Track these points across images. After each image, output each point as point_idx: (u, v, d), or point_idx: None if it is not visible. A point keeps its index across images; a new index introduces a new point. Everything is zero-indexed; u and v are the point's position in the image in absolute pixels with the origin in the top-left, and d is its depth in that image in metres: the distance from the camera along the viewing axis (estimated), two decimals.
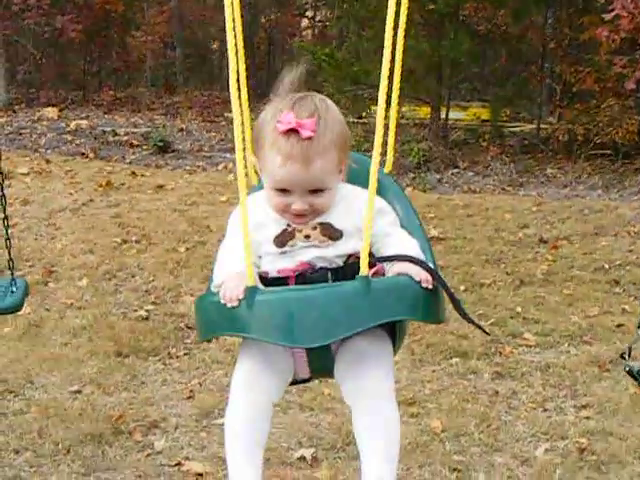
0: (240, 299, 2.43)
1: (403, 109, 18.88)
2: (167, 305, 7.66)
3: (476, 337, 6.74)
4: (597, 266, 8.90)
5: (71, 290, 7.99)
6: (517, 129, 19.03)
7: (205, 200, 11.90)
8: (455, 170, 15.17)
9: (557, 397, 5.81)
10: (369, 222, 2.45)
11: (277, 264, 2.66)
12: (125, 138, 18.08)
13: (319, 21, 32.97)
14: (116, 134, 18.53)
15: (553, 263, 9.05)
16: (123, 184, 12.94)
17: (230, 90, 2.53)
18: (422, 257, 2.65)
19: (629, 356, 3.59)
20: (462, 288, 8.09)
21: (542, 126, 17.87)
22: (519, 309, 7.55)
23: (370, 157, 2.51)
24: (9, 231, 4.58)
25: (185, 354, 6.56)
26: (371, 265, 2.51)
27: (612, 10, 12.64)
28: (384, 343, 2.66)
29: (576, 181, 14.28)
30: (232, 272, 2.55)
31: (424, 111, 18.38)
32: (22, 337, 6.79)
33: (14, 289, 4.29)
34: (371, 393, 2.52)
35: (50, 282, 8.21)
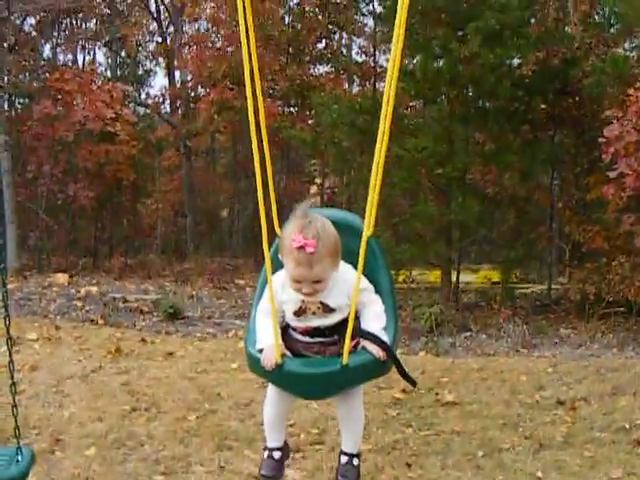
0: (274, 367, 3.85)
1: (413, 273, 18.98)
2: (177, 475, 7.44)
3: None
4: (617, 427, 8.69)
5: (78, 459, 7.78)
6: (528, 290, 19.05)
7: (215, 367, 11.79)
8: (468, 333, 15.09)
9: None
10: (350, 326, 3.81)
11: (296, 324, 4.10)
12: (135, 305, 18.11)
13: (328, 188, 33.52)
14: (126, 301, 18.57)
15: (572, 425, 8.84)
16: (133, 351, 12.85)
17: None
18: (384, 325, 4.01)
19: None
20: (480, 454, 7.88)
21: (553, 286, 17.90)
22: (540, 474, 7.33)
23: (356, 215, 4.28)
24: (16, 398, 4.47)
25: None
26: (353, 337, 3.86)
27: (617, 169, 12.81)
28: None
29: (590, 340, 14.17)
30: (268, 342, 3.93)
31: (435, 275, 18.47)
32: None
33: (19, 458, 4.16)
34: (349, 398, 4.13)
35: (57, 451, 8.02)
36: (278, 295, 4.00)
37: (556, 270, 19.13)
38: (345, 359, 3.81)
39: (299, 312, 4.04)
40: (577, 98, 18.11)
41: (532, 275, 20.49)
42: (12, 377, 4.43)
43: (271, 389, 4.20)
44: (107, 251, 27.13)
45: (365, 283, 4.03)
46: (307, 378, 3.88)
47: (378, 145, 3.80)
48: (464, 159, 16.35)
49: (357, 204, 22.44)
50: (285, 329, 4.11)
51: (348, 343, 3.81)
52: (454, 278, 17.40)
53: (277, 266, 4.04)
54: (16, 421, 4.24)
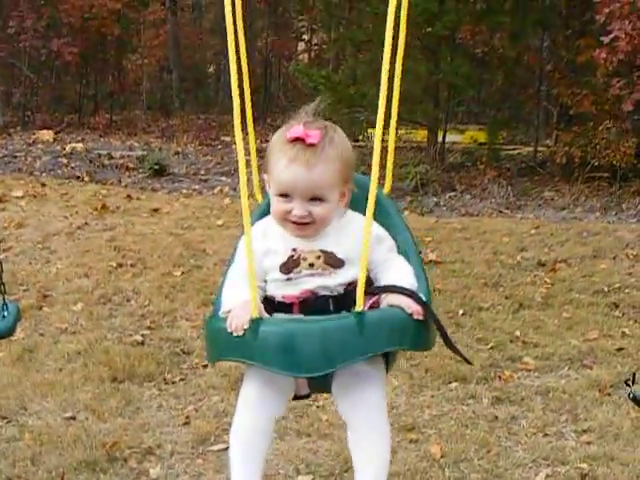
0: (245, 329, 2.59)
1: (400, 132, 18.91)
2: (163, 330, 7.58)
3: (475, 361, 6.67)
4: (596, 289, 8.84)
5: (65, 315, 7.90)
6: (514, 152, 19.04)
7: (201, 224, 11.86)
8: (452, 193, 15.14)
9: (557, 422, 5.72)
10: (366, 255, 2.63)
11: (282, 290, 2.82)
12: (121, 161, 18.07)
13: (315, 44, 33.07)
14: (112, 157, 18.53)
15: (552, 286, 8.99)
16: (118, 207, 12.90)
17: (233, 115, 2.65)
18: (415, 286, 2.79)
19: (633, 382, 3.52)
20: (460, 312, 8.03)
21: (539, 149, 17.89)
22: (518, 333, 7.48)
23: (370, 178, 2.65)
24: (0, 256, 4.50)
25: (181, 379, 6.48)
26: (369, 294, 2.70)
27: (610, 32, 12.64)
28: (377, 364, 2.81)
29: (574, 204, 14.26)
30: (239, 301, 2.69)
31: (421, 134, 18.41)
32: (15, 362, 6.70)
33: (5, 314, 4.21)
34: (364, 407, 2.72)
35: (44, 306, 8.13)
36: (258, 245, 2.77)
37: (543, 132, 19.08)
38: (360, 303, 2.61)
39: (289, 265, 2.80)
40: None
41: (519, 137, 20.45)
42: None
43: (243, 393, 2.78)
44: (92, 107, 26.88)
45: (384, 233, 2.93)
46: (299, 337, 2.57)
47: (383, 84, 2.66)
48: (454, 18, 16.10)
49: (345, 61, 22.23)
50: (268, 309, 2.78)
51: (363, 279, 2.61)
52: (440, 138, 17.36)
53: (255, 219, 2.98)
54: (1, 277, 4.28)
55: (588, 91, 15.70)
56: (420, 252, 3.17)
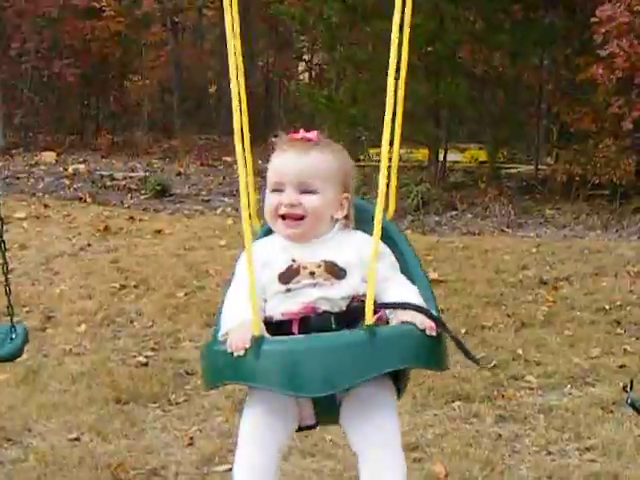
0: (246, 348, 2.48)
1: (401, 151, 18.96)
2: (166, 351, 7.60)
3: (478, 380, 6.69)
4: (598, 307, 8.86)
5: (69, 336, 7.93)
6: (515, 170, 19.09)
7: (204, 244, 11.88)
8: (454, 212, 15.17)
9: (561, 440, 5.73)
10: (373, 269, 2.52)
11: (281, 307, 2.71)
12: (123, 182, 18.10)
13: (316, 64, 33.15)
14: (114, 178, 18.56)
15: (553, 304, 9.01)
16: (121, 229, 12.92)
17: (235, 138, 2.73)
18: (423, 304, 2.74)
19: (631, 389, 3.57)
20: (463, 331, 8.04)
21: (540, 167, 17.93)
22: (520, 351, 7.50)
23: (372, 202, 2.64)
24: (8, 277, 4.54)
25: (185, 400, 6.50)
26: (374, 311, 2.55)
27: (607, 45, 12.76)
28: (388, 390, 2.73)
29: (575, 222, 14.28)
30: (239, 320, 2.61)
31: (422, 153, 18.46)
32: (20, 384, 6.72)
33: (13, 336, 4.25)
34: (377, 442, 2.58)
35: (48, 328, 8.17)
36: (257, 258, 2.66)
37: (543, 151, 19.12)
38: (369, 317, 2.49)
39: (288, 274, 2.71)
40: None
41: (519, 155, 20.50)
42: (3, 256, 4.48)
43: (245, 424, 2.67)
44: (94, 128, 26.94)
45: (386, 249, 2.86)
46: (304, 355, 2.46)
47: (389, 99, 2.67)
48: (454, 37, 16.18)
49: (346, 81, 22.28)
50: (267, 328, 2.65)
51: (372, 291, 2.51)
52: (441, 157, 17.41)
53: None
54: (9, 300, 4.32)
55: (588, 109, 15.76)
56: (427, 276, 3.15)
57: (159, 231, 12.82)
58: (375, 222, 2.53)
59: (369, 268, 2.54)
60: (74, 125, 26.61)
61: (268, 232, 2.96)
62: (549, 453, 5.53)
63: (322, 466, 5.32)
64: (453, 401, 6.38)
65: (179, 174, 19.85)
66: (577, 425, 5.93)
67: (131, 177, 18.71)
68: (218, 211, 15.42)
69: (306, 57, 34.41)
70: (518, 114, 18.65)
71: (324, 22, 19.23)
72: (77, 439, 5.75)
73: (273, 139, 2.93)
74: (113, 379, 6.79)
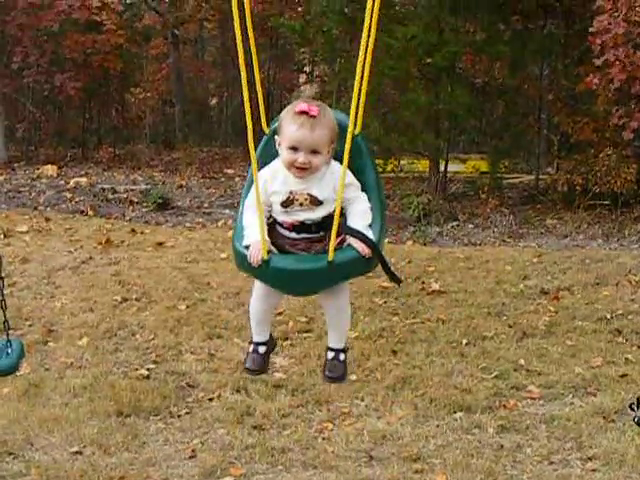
0: (260, 264, 3.72)
1: (402, 162, 18.99)
2: (168, 363, 7.61)
3: (480, 391, 6.70)
4: (599, 316, 8.87)
5: (71, 349, 7.95)
6: (516, 180, 19.10)
7: (205, 257, 11.90)
8: (455, 223, 15.18)
9: (562, 450, 5.75)
10: (336, 219, 3.66)
11: (281, 217, 3.95)
12: (124, 195, 18.12)
13: (317, 76, 33.19)
14: (115, 191, 18.57)
15: (555, 314, 9.02)
16: (123, 242, 12.95)
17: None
18: (370, 222, 3.89)
19: (638, 407, 3.57)
20: (464, 342, 8.06)
21: (541, 177, 17.94)
22: (522, 361, 7.51)
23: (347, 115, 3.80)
24: (5, 291, 4.53)
25: (186, 413, 6.51)
26: (338, 234, 3.72)
27: (603, 56, 12.81)
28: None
29: (576, 231, 14.29)
30: (255, 239, 3.77)
31: (423, 164, 18.47)
32: (22, 397, 6.74)
33: (9, 351, 4.25)
34: (335, 296, 4.00)
35: (50, 341, 8.18)
36: (268, 185, 3.95)
37: (544, 161, 19.13)
38: (330, 255, 3.74)
39: (287, 202, 3.95)
40: None
41: (520, 165, 20.51)
42: (0, 271, 4.46)
43: (258, 285, 4.08)
44: (95, 142, 26.93)
45: (351, 178, 3.96)
46: (293, 275, 3.81)
47: (363, 41, 3.65)
48: (454, 49, 16.20)
49: (347, 94, 22.31)
50: (272, 225, 4.01)
51: (333, 239, 3.72)
52: (442, 168, 17.43)
53: (264, 164, 4.02)
54: (4, 314, 4.32)
55: (588, 119, 15.78)
56: (381, 189, 4.10)
57: (161, 244, 12.84)
58: (342, 167, 3.63)
59: (335, 214, 3.67)
60: (75, 138, 26.61)
61: (268, 140, 4.11)
62: (551, 463, 5.55)
63: (324, 478, 5.33)
64: (455, 412, 6.40)
65: (181, 187, 19.87)
66: (579, 435, 5.94)
67: (132, 190, 18.72)
68: (219, 223, 15.44)
69: (307, 69, 34.47)
70: (519, 124, 18.66)
71: (324, 34, 19.28)
72: (79, 452, 5.77)
73: (284, 112, 3.95)
74: (115, 392, 6.81)
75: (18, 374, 5.52)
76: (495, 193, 16.93)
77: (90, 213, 16.18)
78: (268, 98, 31.25)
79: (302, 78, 35.22)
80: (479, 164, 19.54)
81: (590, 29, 13.64)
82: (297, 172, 3.89)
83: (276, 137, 3.99)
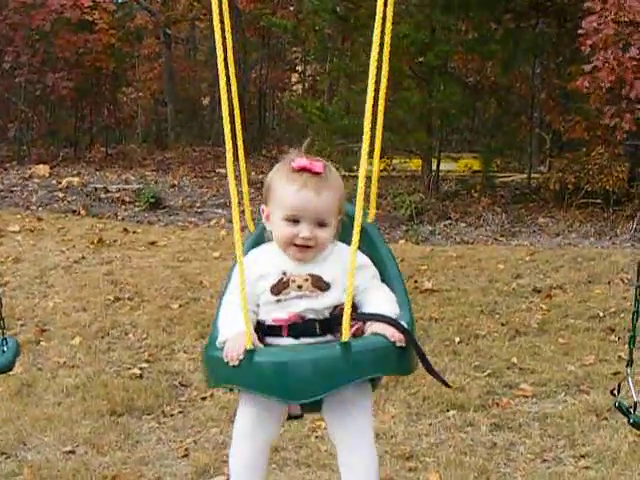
0: (241, 359, 2.81)
1: (394, 161, 19.01)
2: (161, 363, 7.60)
3: (473, 389, 6.70)
4: (592, 314, 8.88)
5: (64, 349, 7.93)
6: (508, 179, 19.14)
7: (198, 256, 11.89)
8: (447, 221, 15.20)
9: (556, 447, 5.74)
10: (350, 293, 2.81)
11: (272, 314, 3.02)
12: (117, 195, 18.11)
13: (309, 76, 33.21)
14: (108, 191, 18.56)
15: (547, 312, 9.02)
16: (115, 241, 12.94)
17: (225, 142, 2.87)
18: (398, 313, 3.01)
19: (618, 392, 3.59)
20: (457, 340, 8.05)
21: (533, 175, 17.99)
22: (515, 360, 7.51)
23: (354, 206, 2.87)
24: (1, 290, 4.52)
25: (180, 412, 6.49)
26: (353, 320, 2.87)
27: (592, 62, 12.84)
28: (364, 389, 3.04)
29: (568, 229, 14.32)
30: (234, 331, 2.90)
31: (415, 163, 18.51)
32: (14, 397, 6.72)
33: (5, 349, 4.23)
34: (353, 433, 2.99)
35: (42, 341, 8.15)
36: (251, 271, 2.97)
37: (536, 159, 19.19)
38: (345, 335, 2.80)
39: (279, 286, 3.00)
40: None
41: (513, 164, 20.57)
42: None
43: (240, 420, 3.06)
44: (88, 141, 26.93)
45: (366, 260, 3.12)
46: (290, 367, 2.80)
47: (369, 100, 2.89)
48: (445, 47, 16.23)
49: (338, 92, 22.33)
50: (259, 334, 2.99)
51: (348, 313, 2.80)
52: (435, 166, 17.45)
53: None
54: (0, 312, 4.31)
55: (580, 117, 15.82)
56: (404, 281, 3.29)
57: (153, 243, 12.84)
58: (354, 235, 2.79)
59: (347, 288, 2.81)
60: (67, 138, 26.59)
61: (258, 236, 3.26)
62: (544, 461, 5.54)
63: (317, 477, 5.33)
64: (448, 410, 6.39)
65: (173, 186, 19.87)
66: (572, 432, 5.94)
67: (125, 189, 18.72)
68: (212, 223, 15.44)
69: (299, 68, 34.47)
70: (511, 123, 18.72)
71: (316, 33, 19.31)
72: (72, 452, 5.75)
73: (284, 154, 3.13)
74: (107, 391, 6.79)
75: (10, 373, 5.49)
76: (487, 192, 16.98)
77: (82, 213, 16.17)
78: (260, 99, 31.29)
79: (294, 77, 35.23)
80: (471, 163, 19.60)
81: (579, 30, 13.67)
82: (297, 252, 3.02)
83: (262, 208, 3.13)
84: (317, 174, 2.98)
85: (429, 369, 3.01)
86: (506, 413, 6.36)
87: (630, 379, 3.65)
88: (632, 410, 3.59)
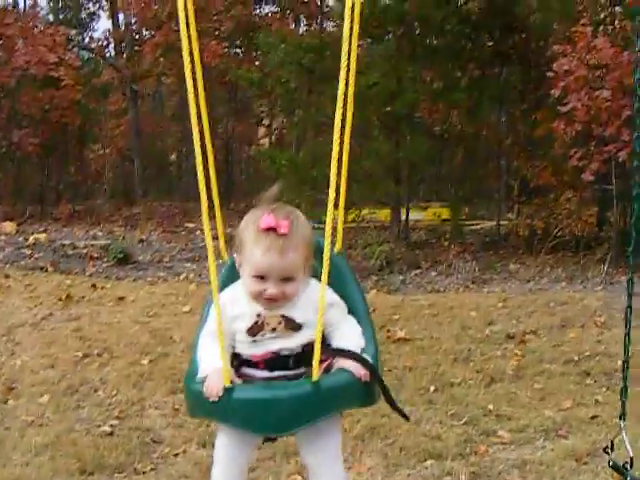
0: (220, 396, 3.04)
1: (363, 212, 19.03)
2: (132, 419, 7.44)
3: (450, 437, 6.61)
4: (566, 358, 8.83)
5: (32, 407, 7.75)
6: (477, 227, 19.20)
7: (167, 311, 11.78)
8: (418, 270, 15.18)
9: None
10: (318, 340, 3.04)
11: (249, 351, 3.26)
12: (85, 251, 17.99)
13: (276, 129, 33.35)
14: (75, 247, 18.45)
15: (522, 358, 8.97)
16: (83, 297, 12.80)
17: (199, 192, 2.99)
18: (363, 346, 3.27)
19: (612, 450, 3.48)
20: (432, 388, 7.96)
21: (502, 222, 18.05)
22: (491, 407, 7.42)
23: (323, 237, 3.21)
24: None
25: (152, 469, 6.34)
26: (324, 354, 3.12)
27: (567, 103, 12.91)
28: (334, 418, 3.33)
29: (539, 275, 14.33)
30: (212, 367, 3.13)
31: (384, 213, 18.54)
32: None
33: None
34: (325, 457, 3.33)
35: (10, 399, 7.98)
36: (228, 310, 3.20)
37: (505, 206, 19.28)
38: (315, 374, 3.05)
39: (254, 329, 3.21)
40: (523, 35, 18.13)
41: (481, 212, 20.65)
42: None
43: (219, 447, 3.35)
44: (55, 198, 26.87)
45: (335, 298, 3.33)
46: (265, 404, 3.05)
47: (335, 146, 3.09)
48: (412, 97, 16.32)
49: (306, 143, 22.39)
50: (237, 366, 3.27)
51: (317, 353, 3.04)
52: (404, 216, 17.48)
53: (224, 285, 3.41)
54: None
55: (547, 163, 15.94)
56: (370, 314, 3.51)
57: (122, 298, 12.71)
58: (322, 279, 3.05)
59: (316, 332, 3.05)
60: (34, 195, 26.51)
61: (231, 269, 3.44)
62: None
63: None
64: (425, 459, 6.28)
65: (141, 241, 19.78)
66: (552, 478, 5.85)
67: (92, 245, 18.61)
68: (181, 277, 15.35)
69: (265, 122, 34.62)
70: (478, 171, 18.85)
71: (282, 86, 19.38)
72: None
73: (254, 205, 3.28)
74: (77, 449, 6.63)
75: None
76: (457, 240, 17.02)
77: (50, 269, 16.02)
78: (227, 153, 31.33)
79: (261, 131, 35.38)
80: (440, 211, 19.66)
81: (548, 74, 13.80)
82: (266, 304, 3.19)
83: (236, 256, 3.30)
84: (283, 235, 3.11)
85: (390, 401, 3.29)
86: (484, 461, 6.26)
87: (624, 432, 3.55)
88: (628, 466, 3.48)
